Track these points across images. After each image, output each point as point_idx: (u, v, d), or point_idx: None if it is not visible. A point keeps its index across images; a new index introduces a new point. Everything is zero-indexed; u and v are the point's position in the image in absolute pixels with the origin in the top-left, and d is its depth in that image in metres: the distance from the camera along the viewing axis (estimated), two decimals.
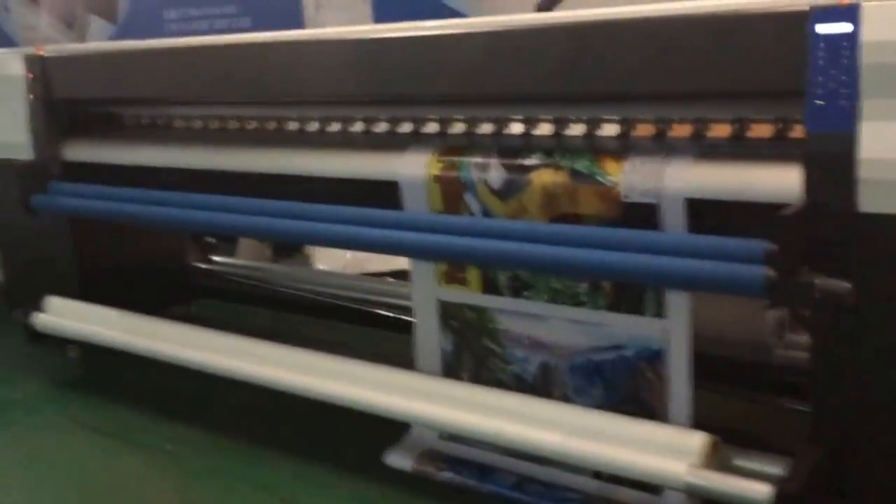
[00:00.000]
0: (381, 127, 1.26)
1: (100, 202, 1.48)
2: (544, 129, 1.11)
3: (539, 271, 1.07)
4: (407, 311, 1.46)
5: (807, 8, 0.85)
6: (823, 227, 0.85)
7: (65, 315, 1.56)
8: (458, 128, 1.18)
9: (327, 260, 2.14)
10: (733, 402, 1.23)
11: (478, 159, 1.10)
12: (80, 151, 1.61)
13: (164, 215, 1.40)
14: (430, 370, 1.21)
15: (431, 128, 1.21)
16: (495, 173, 1.08)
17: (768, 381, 1.22)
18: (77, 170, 1.59)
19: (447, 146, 1.15)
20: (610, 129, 1.06)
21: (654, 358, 1.02)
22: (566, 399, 1.09)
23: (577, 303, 1.06)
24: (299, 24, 2.19)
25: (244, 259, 2.05)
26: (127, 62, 1.49)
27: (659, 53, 0.94)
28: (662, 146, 1.02)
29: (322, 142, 1.32)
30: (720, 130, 0.99)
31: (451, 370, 1.19)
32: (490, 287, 1.13)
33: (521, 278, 1.10)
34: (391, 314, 1.59)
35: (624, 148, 1.03)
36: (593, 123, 1.07)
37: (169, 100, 1.52)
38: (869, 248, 0.84)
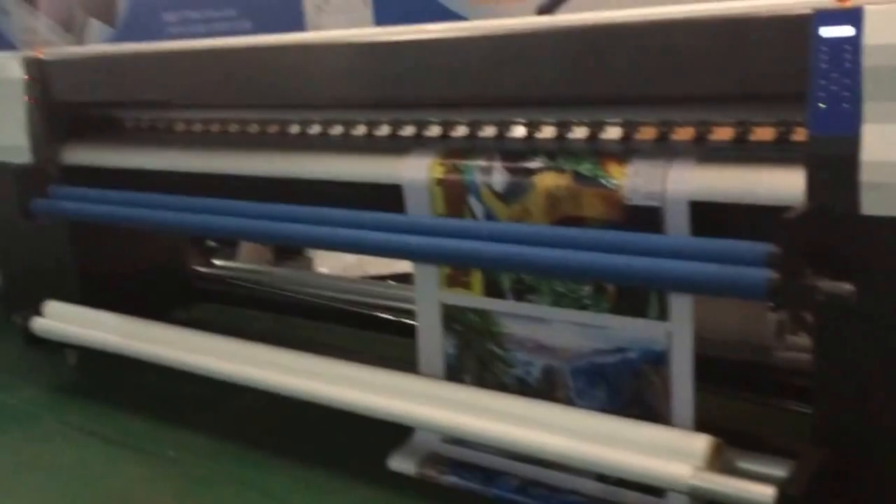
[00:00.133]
0: (384, 130, 1.26)
1: (99, 206, 1.48)
2: (547, 132, 1.11)
3: (542, 274, 1.07)
4: (409, 314, 1.46)
5: (810, 11, 0.85)
6: (826, 229, 0.85)
7: (64, 319, 1.55)
8: (462, 131, 1.19)
9: (328, 263, 2.14)
10: (735, 404, 1.23)
11: (481, 162, 1.10)
12: (80, 155, 1.60)
13: (165, 219, 1.39)
14: (433, 374, 1.21)
15: (434, 131, 1.21)
16: (498, 176, 1.08)
17: (769, 382, 1.22)
18: (76, 173, 1.58)
19: (450, 149, 1.15)
20: (613, 133, 1.07)
21: (658, 360, 1.02)
22: (569, 402, 1.09)
23: (581, 306, 1.06)
24: (300, 28, 2.19)
25: (245, 263, 2.05)
26: (126, 65, 1.48)
27: (661, 57, 0.95)
28: (665, 149, 1.02)
29: (324, 145, 1.32)
30: (723, 133, 1.00)
31: (453, 374, 1.19)
32: (493, 290, 1.13)
33: (525, 281, 1.10)
34: (393, 318, 1.59)
35: (627, 151, 1.03)
36: (596, 126, 1.08)
37: (169, 103, 1.52)
38: (871, 250, 0.85)
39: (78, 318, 1.54)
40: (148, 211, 1.41)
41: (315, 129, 1.35)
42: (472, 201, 1.10)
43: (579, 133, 1.09)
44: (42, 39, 2.87)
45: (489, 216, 1.09)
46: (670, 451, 0.96)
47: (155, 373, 1.42)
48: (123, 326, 1.47)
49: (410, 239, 1.11)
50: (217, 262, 1.96)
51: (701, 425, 1.00)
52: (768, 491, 0.88)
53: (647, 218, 0.98)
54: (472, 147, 1.15)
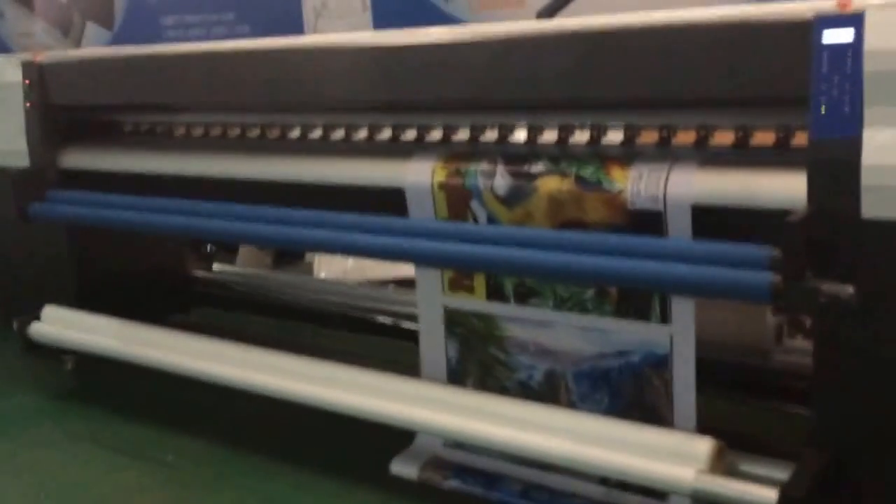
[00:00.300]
0: (386, 134, 1.26)
1: (98, 210, 1.47)
2: (550, 136, 1.11)
3: (545, 278, 1.07)
4: (410, 318, 1.46)
5: (811, 16, 0.86)
6: (827, 233, 0.86)
7: (62, 324, 1.54)
8: (464, 135, 1.19)
9: (328, 267, 2.14)
10: (736, 407, 1.24)
11: (483, 166, 1.10)
12: (78, 159, 1.60)
13: (164, 223, 1.39)
14: (435, 378, 1.21)
15: (436, 135, 1.21)
16: (501, 180, 1.08)
17: (769, 385, 1.22)
18: (75, 177, 1.57)
19: (452, 153, 1.16)
20: (615, 137, 1.07)
21: (660, 364, 1.02)
22: (572, 406, 1.09)
23: (584, 309, 1.06)
24: (299, 32, 2.19)
25: (244, 267, 2.04)
26: (124, 68, 1.48)
27: (663, 61, 0.95)
28: (667, 153, 1.02)
29: (326, 149, 1.32)
30: (725, 137, 1.00)
31: (456, 377, 1.19)
32: (496, 294, 1.13)
33: (527, 285, 1.10)
34: (394, 322, 1.59)
35: (629, 155, 1.04)
36: (598, 130, 1.08)
37: (168, 106, 1.52)
38: (872, 253, 0.85)
39: (76, 322, 1.53)
40: (147, 215, 1.41)
41: (316, 133, 1.35)
42: (475, 205, 1.10)
43: (581, 137, 1.09)
44: (39, 43, 2.86)
45: (491, 220, 1.10)
46: (673, 454, 0.96)
47: (154, 378, 1.41)
48: (121, 331, 1.47)
49: (413, 243, 1.12)
50: (216, 266, 1.95)
51: (702, 428, 1.01)
52: (770, 493, 0.88)
53: (649, 221, 0.98)
54: (474, 151, 1.15)
